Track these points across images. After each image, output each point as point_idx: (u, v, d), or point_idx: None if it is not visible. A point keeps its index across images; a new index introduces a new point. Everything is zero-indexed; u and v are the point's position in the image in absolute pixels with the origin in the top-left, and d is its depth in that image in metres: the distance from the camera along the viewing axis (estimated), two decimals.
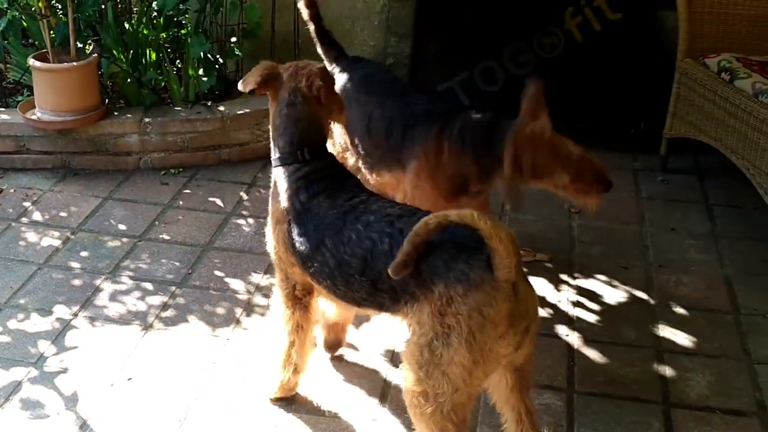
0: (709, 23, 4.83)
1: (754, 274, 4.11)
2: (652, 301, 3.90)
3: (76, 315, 3.70)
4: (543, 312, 3.79)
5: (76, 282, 3.93)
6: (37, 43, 5.33)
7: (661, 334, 3.68)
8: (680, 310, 3.85)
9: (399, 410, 3.19)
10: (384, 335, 3.61)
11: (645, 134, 5.24)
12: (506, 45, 4.80)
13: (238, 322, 3.69)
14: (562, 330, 3.69)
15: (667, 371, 3.46)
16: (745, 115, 4.30)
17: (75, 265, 4.06)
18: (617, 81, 5.29)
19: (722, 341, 3.65)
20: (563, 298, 3.90)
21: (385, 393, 3.31)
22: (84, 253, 4.15)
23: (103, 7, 5.22)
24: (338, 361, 3.47)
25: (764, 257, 4.25)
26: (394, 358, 3.48)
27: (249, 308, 3.78)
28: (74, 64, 4.81)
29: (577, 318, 3.77)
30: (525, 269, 2.66)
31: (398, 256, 2.56)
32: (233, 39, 5.38)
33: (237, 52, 5.32)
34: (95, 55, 4.97)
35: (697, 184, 4.99)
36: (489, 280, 2.50)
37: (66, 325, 3.63)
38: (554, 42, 5.11)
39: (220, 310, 3.76)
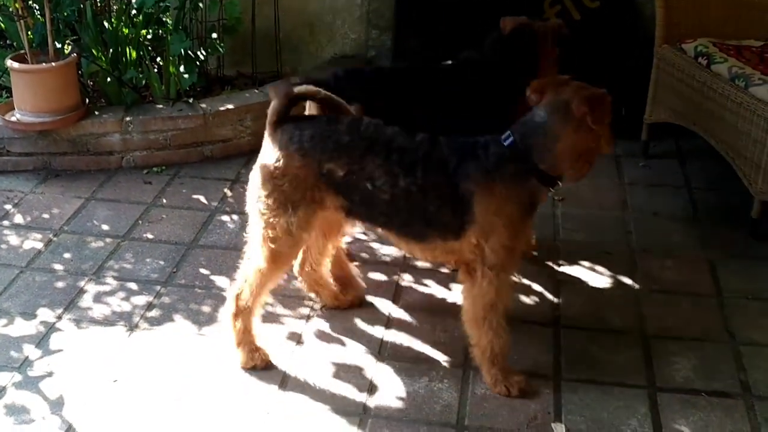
0: (685, 9, 4.86)
1: (736, 257, 4.14)
2: (636, 286, 3.93)
3: (60, 318, 3.69)
4: (528, 300, 3.82)
5: (60, 284, 3.92)
6: (15, 44, 5.30)
7: (646, 319, 3.70)
8: (664, 295, 3.87)
9: (388, 401, 3.22)
10: (372, 328, 3.63)
11: (626, 120, 5.24)
12: (486, 35, 4.83)
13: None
14: (547, 317, 3.71)
15: (653, 355, 3.48)
16: (723, 99, 4.34)
17: (58, 267, 4.05)
18: (597, 68, 5.29)
19: (706, 324, 3.68)
20: (548, 285, 3.92)
21: (373, 387, 3.32)
22: (67, 255, 4.14)
23: (81, 6, 5.20)
24: (326, 356, 3.48)
25: (745, 240, 4.28)
26: (381, 351, 3.50)
27: None
28: (53, 64, 4.78)
29: (562, 305, 3.79)
30: None
31: None
32: (214, 35, 5.37)
33: (218, 48, 5.31)
34: (74, 55, 4.94)
35: (678, 168, 5.02)
36: None
37: (50, 328, 3.61)
38: None
39: (206, 309, 3.76)
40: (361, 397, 3.26)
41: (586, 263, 4.09)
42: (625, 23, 5.30)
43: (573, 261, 4.11)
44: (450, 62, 3.92)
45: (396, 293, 3.87)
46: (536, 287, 3.91)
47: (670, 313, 3.74)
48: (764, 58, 4.56)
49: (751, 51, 4.63)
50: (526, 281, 3.94)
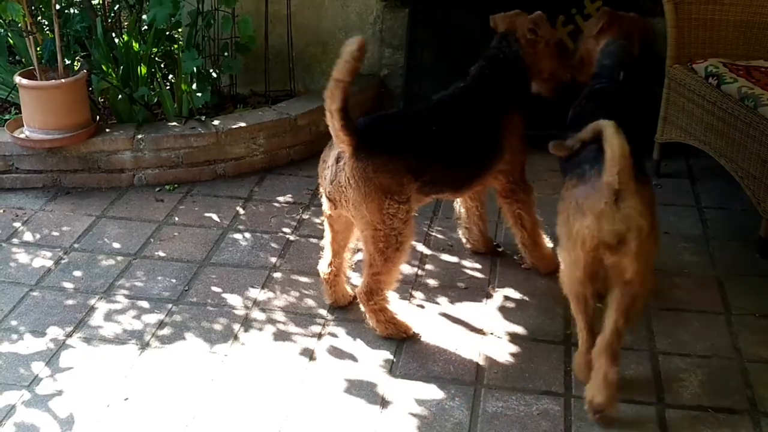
0: (696, 29, 4.88)
1: (744, 275, 4.15)
2: (646, 304, 3.91)
3: (70, 336, 3.69)
4: (539, 318, 3.83)
5: (70, 302, 3.92)
6: (24, 60, 5.32)
7: (656, 336, 3.71)
8: (674, 312, 3.87)
9: (399, 419, 3.23)
10: (384, 345, 3.64)
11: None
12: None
13: (236, 338, 3.70)
14: (558, 335, 3.72)
15: (661, 372, 3.49)
16: (732, 119, 4.35)
17: (68, 285, 4.05)
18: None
19: (714, 341, 3.68)
20: (558, 303, 3.91)
21: (384, 404, 3.33)
22: (77, 273, 4.14)
23: (91, 22, 5.23)
24: (338, 373, 3.49)
25: (753, 258, 4.29)
26: (393, 369, 3.51)
27: (247, 323, 3.78)
28: (62, 81, 4.78)
29: (573, 323, 3.78)
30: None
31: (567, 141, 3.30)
32: (226, 53, 5.39)
33: (232, 67, 5.34)
34: (84, 71, 4.95)
35: (689, 187, 5.03)
36: (594, 179, 3.05)
37: (60, 346, 3.62)
38: None
39: (218, 327, 3.77)
40: (372, 414, 3.27)
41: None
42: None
43: None
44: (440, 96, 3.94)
45: (408, 311, 3.88)
46: (547, 306, 3.92)
47: (679, 331, 3.75)
48: None
49: (761, 72, 4.64)
50: (536, 300, 3.96)
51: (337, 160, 3.47)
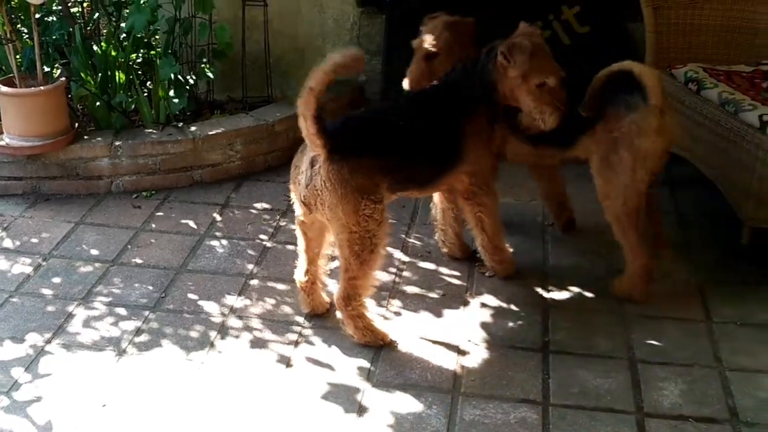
0: (675, 34, 4.88)
1: (725, 283, 4.14)
2: (625, 311, 3.92)
3: (49, 342, 3.67)
4: (517, 325, 3.82)
5: (49, 308, 3.90)
6: (3, 67, 5.30)
7: (635, 344, 3.69)
8: (653, 320, 3.86)
9: (376, 427, 3.20)
10: (361, 353, 3.62)
11: None
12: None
13: (212, 345, 3.67)
14: (536, 343, 3.70)
15: (641, 381, 3.48)
16: (713, 124, 4.34)
17: (47, 291, 4.03)
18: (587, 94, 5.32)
19: (695, 349, 3.67)
20: (537, 310, 3.92)
21: (362, 412, 3.30)
22: (56, 280, 4.12)
23: (70, 29, 5.22)
24: (315, 380, 3.46)
25: (734, 265, 4.28)
26: (370, 376, 3.48)
27: (224, 331, 3.76)
28: (41, 88, 4.76)
29: (551, 330, 3.78)
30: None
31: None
32: (204, 60, 5.38)
33: (208, 73, 5.32)
34: (63, 78, 4.94)
35: (668, 193, 5.01)
36: (642, 104, 3.73)
37: (39, 353, 3.60)
38: None
39: (194, 334, 3.74)
40: (349, 422, 3.24)
41: (574, 288, 4.09)
42: (615, 48, 5.31)
43: (562, 286, 4.11)
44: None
45: (385, 318, 3.86)
46: (525, 313, 3.90)
47: (659, 339, 3.73)
48: (754, 83, 4.57)
49: (741, 76, 4.64)
50: (514, 307, 3.94)
51: (312, 164, 3.46)
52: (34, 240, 4.46)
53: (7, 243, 4.42)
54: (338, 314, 3.68)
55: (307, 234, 3.74)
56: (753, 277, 4.19)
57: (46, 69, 4.96)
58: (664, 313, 3.91)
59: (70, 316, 3.86)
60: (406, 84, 3.99)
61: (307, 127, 3.33)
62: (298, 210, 3.64)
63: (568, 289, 4.08)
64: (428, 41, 3.98)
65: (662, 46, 4.86)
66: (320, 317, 3.85)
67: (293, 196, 3.64)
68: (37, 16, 4.98)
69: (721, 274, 4.22)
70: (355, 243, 3.49)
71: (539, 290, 4.08)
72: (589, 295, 4.05)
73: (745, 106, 4.22)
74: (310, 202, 3.52)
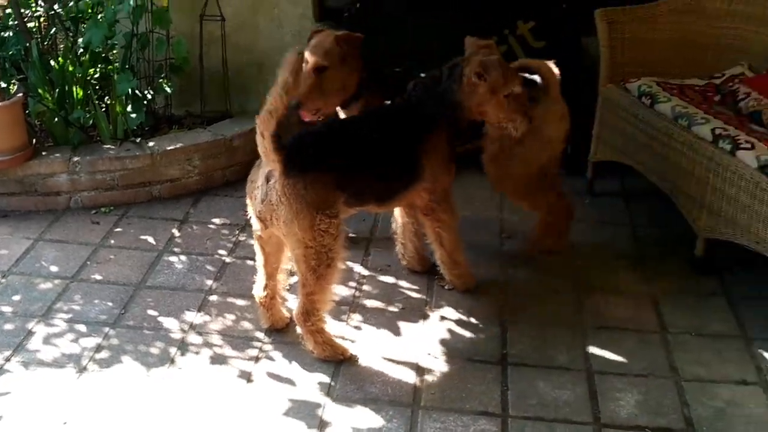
0: (629, 49, 4.92)
1: (680, 293, 4.20)
2: (582, 324, 3.96)
3: (8, 360, 3.65)
4: (475, 338, 3.84)
5: (8, 326, 3.87)
6: None
7: (592, 356, 3.74)
8: (610, 331, 3.91)
9: None
10: (322, 368, 3.63)
11: (571, 158, 5.31)
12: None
13: (172, 361, 3.67)
14: (494, 356, 3.73)
15: (598, 392, 3.52)
16: (666, 138, 4.41)
17: (6, 309, 4.00)
18: None
19: (650, 360, 3.72)
20: (495, 323, 3.95)
21: (323, 426, 3.32)
22: (15, 297, 4.09)
23: (27, 45, 5.18)
24: (276, 395, 3.47)
25: (689, 276, 4.34)
26: (330, 391, 3.50)
27: (183, 347, 3.76)
28: None
29: (510, 343, 3.82)
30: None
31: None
32: (161, 74, 5.37)
33: (166, 88, 5.31)
34: (20, 94, 4.90)
35: (623, 206, 5.08)
36: (543, 96, 4.13)
37: None
38: None
39: (155, 350, 3.74)
40: None
41: (532, 301, 4.13)
42: (570, 63, 5.37)
43: (519, 299, 4.15)
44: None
45: (345, 333, 3.88)
46: (484, 325, 3.93)
47: (615, 350, 3.78)
48: (707, 97, 4.65)
49: (694, 90, 4.71)
50: (473, 320, 3.97)
51: (267, 179, 3.47)
52: None
53: None
54: (298, 329, 3.69)
55: (265, 249, 3.74)
56: (706, 287, 4.25)
57: (3, 85, 4.93)
58: (621, 325, 3.96)
59: (30, 333, 3.83)
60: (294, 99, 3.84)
61: (264, 144, 3.34)
62: (256, 225, 3.64)
63: (526, 302, 4.12)
64: (318, 54, 3.96)
65: (616, 61, 4.91)
66: (280, 332, 3.86)
67: (250, 211, 3.65)
68: None
69: (676, 285, 4.28)
70: (311, 258, 3.50)
71: (498, 303, 4.11)
72: (546, 307, 4.09)
73: (698, 120, 4.29)
74: (266, 218, 3.53)
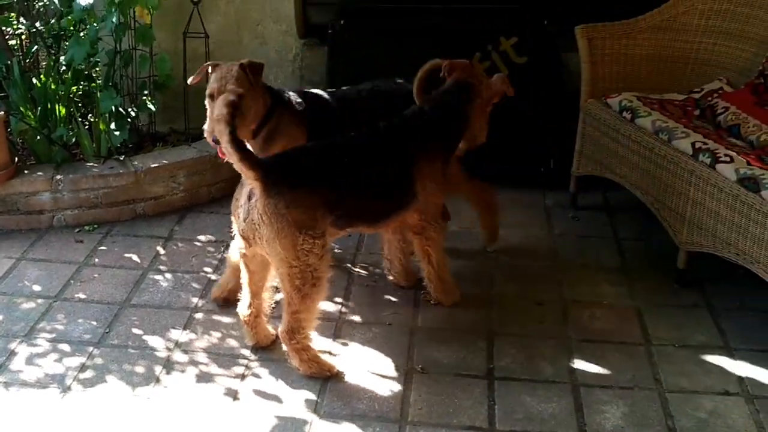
0: (609, 64, 4.99)
1: (663, 306, 4.23)
2: (567, 336, 3.98)
3: None
4: (461, 352, 3.85)
5: None
6: None
7: (577, 369, 3.76)
8: (594, 344, 3.93)
9: None
10: (308, 384, 3.62)
11: (555, 173, 5.36)
12: None
13: (158, 380, 3.65)
14: (481, 369, 3.74)
15: (583, 404, 3.54)
16: (647, 152, 4.45)
17: None
18: (525, 122, 5.41)
19: (635, 372, 3.74)
20: (481, 337, 3.96)
21: None
22: None
23: (8, 62, 5.17)
24: (263, 412, 3.46)
25: (671, 288, 4.37)
26: (317, 408, 3.50)
27: (169, 365, 3.74)
28: None
29: (496, 356, 3.83)
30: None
31: None
32: (145, 91, 5.36)
33: (150, 105, 5.30)
34: (2, 113, 4.86)
35: (606, 219, 5.12)
36: None
37: None
38: None
39: (140, 369, 3.72)
40: None
41: (518, 314, 4.14)
42: (552, 78, 5.42)
43: (505, 312, 4.16)
44: None
45: (331, 349, 3.88)
46: (470, 340, 3.94)
47: (600, 362, 3.80)
48: (687, 111, 4.70)
49: (674, 105, 4.76)
50: (460, 334, 3.98)
51: (249, 197, 3.47)
52: None
53: None
54: (284, 346, 3.69)
55: (249, 267, 3.72)
56: (689, 299, 4.29)
57: None
58: (604, 337, 3.98)
59: (12, 353, 3.80)
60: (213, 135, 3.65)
61: (231, 157, 3.34)
62: (240, 243, 3.64)
63: (511, 316, 4.13)
64: (230, 84, 3.82)
65: (597, 76, 4.96)
66: (266, 350, 3.85)
67: (234, 229, 3.65)
68: None
69: (659, 297, 4.31)
70: (295, 277, 3.49)
71: (484, 317, 4.12)
72: (532, 320, 4.11)
73: (678, 134, 4.34)
74: (249, 236, 3.52)
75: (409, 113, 3.93)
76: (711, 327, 4.07)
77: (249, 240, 3.54)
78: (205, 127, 3.83)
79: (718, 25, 5.06)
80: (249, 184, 3.44)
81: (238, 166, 3.36)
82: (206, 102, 3.92)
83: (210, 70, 3.97)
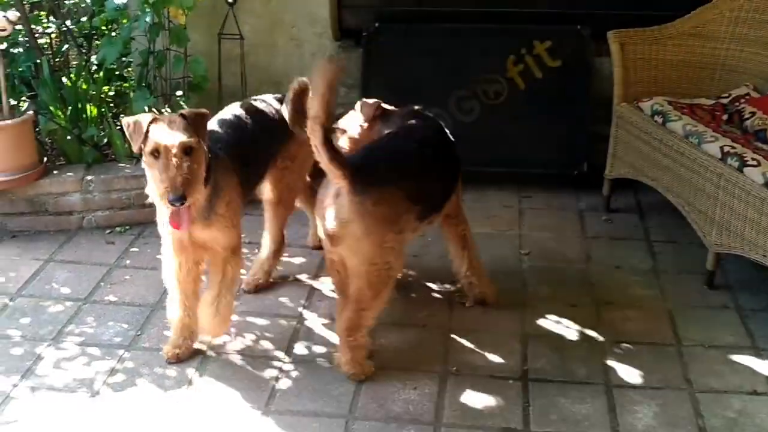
0: (641, 69, 5.02)
1: (693, 307, 4.23)
2: (600, 338, 3.98)
3: (15, 386, 3.58)
4: (496, 355, 3.85)
5: (16, 351, 3.81)
6: None
7: (610, 370, 3.76)
8: (627, 345, 3.93)
9: None
10: (344, 386, 3.62)
11: (588, 176, 5.37)
12: (452, 93, 4.92)
13: (190, 382, 3.63)
14: (515, 371, 3.74)
15: (616, 405, 3.54)
16: (678, 155, 4.47)
17: (14, 333, 3.94)
18: (560, 125, 5.43)
19: (666, 373, 3.74)
20: (515, 339, 3.96)
21: None
22: (24, 320, 4.04)
23: (38, 61, 5.16)
24: (296, 416, 3.45)
25: (701, 290, 4.38)
26: (352, 410, 3.49)
27: (201, 368, 3.73)
28: (8, 122, 4.70)
29: (530, 358, 3.83)
30: None
31: None
32: (179, 92, 5.34)
33: (183, 106, 5.29)
34: (30, 112, 4.88)
35: (638, 222, 5.12)
36: None
37: (5, 398, 3.50)
38: (498, 89, 5.27)
39: (171, 372, 3.69)
40: None
41: (552, 316, 4.14)
42: (585, 82, 5.44)
43: (539, 314, 4.16)
44: None
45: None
46: (504, 342, 3.94)
47: (632, 363, 3.80)
48: (715, 116, 4.72)
49: (703, 109, 4.79)
50: (494, 337, 3.97)
51: (336, 196, 3.46)
52: (1, 279, 4.39)
53: None
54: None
55: (337, 269, 3.73)
56: (718, 300, 4.30)
57: (13, 102, 4.90)
58: (636, 339, 3.98)
59: (39, 358, 3.77)
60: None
61: (320, 157, 3.33)
62: (326, 245, 3.64)
63: (545, 318, 4.13)
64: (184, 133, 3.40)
65: (629, 80, 4.99)
66: (301, 352, 3.84)
67: (319, 230, 3.65)
68: (2, 47, 4.91)
69: (689, 299, 4.31)
70: (373, 275, 3.50)
71: (517, 319, 4.12)
72: (565, 322, 4.10)
73: (707, 138, 4.36)
74: (337, 235, 3.51)
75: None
76: (739, 328, 4.07)
77: (335, 240, 3.53)
78: (155, 189, 3.49)
79: (744, 33, 5.09)
80: (336, 183, 3.42)
81: (327, 166, 3.36)
82: (143, 162, 3.51)
83: (144, 125, 3.45)
